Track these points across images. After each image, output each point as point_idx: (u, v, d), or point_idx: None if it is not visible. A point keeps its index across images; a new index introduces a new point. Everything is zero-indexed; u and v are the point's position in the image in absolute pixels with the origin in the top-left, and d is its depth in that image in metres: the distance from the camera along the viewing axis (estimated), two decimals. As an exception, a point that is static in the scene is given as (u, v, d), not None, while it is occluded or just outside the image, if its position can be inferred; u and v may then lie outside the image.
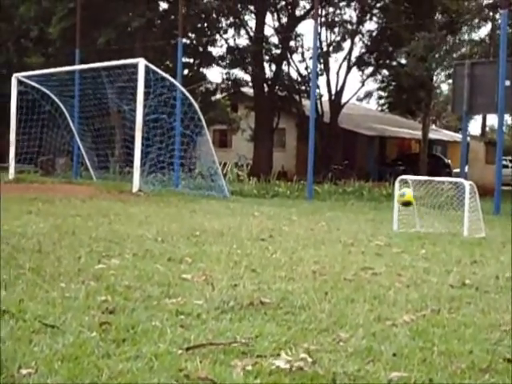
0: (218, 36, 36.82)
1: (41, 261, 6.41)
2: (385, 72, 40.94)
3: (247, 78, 38.91)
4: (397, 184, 11.69)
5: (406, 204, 10.73)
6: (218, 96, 39.87)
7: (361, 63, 39.49)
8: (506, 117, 39.24)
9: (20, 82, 23.24)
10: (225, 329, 4.17)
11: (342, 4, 36.86)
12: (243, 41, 38.89)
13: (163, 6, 33.49)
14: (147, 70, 18.81)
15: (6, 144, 24.69)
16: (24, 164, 24.98)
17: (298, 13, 38.20)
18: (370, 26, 39.10)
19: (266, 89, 37.75)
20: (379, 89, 42.94)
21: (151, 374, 3.30)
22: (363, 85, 41.06)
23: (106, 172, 24.46)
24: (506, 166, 36.24)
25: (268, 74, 38.29)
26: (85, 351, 3.58)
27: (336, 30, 37.99)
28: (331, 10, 37.39)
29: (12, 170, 22.38)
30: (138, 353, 3.60)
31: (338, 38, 38.24)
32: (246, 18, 37.75)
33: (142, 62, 18.59)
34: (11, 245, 7.38)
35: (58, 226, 9.64)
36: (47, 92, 24.20)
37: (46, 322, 4.13)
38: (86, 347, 3.65)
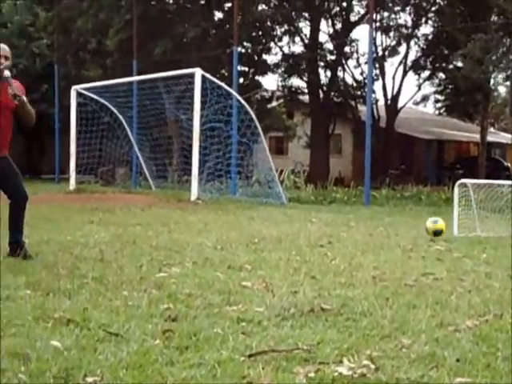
0: (272, 44, 36.90)
1: (103, 270, 6.51)
2: (441, 75, 40.48)
3: (302, 84, 38.92)
4: (456, 188, 11.57)
5: (438, 233, 10.40)
6: (274, 103, 39.89)
7: (417, 67, 39.11)
8: None
9: (79, 94, 23.60)
10: (286, 336, 4.19)
11: (396, 8, 36.58)
12: (298, 48, 38.97)
13: (218, 15, 33.69)
14: (203, 80, 18.93)
15: (66, 155, 25.10)
16: (84, 175, 25.36)
17: (352, 18, 38.01)
18: (426, 29, 38.84)
19: (322, 95, 37.63)
20: (436, 92, 42.47)
21: (214, 381, 3.34)
22: (420, 89, 40.68)
23: (165, 181, 24.67)
24: None
25: (323, 80, 38.19)
26: (149, 359, 3.63)
27: (391, 34, 37.71)
28: (386, 14, 37.13)
29: (73, 181, 22.70)
30: (201, 360, 3.64)
31: (394, 43, 37.95)
32: (301, 25, 37.72)
33: (198, 72, 18.72)
34: (74, 255, 7.52)
35: (119, 235, 9.77)
36: (106, 103, 24.54)
37: (110, 330, 4.19)
38: (150, 355, 3.70)
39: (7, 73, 6.84)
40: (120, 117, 24.82)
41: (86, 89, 24.07)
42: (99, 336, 4.08)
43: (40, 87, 39.86)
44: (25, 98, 6.97)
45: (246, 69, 35.73)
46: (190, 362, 3.61)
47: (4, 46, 7.18)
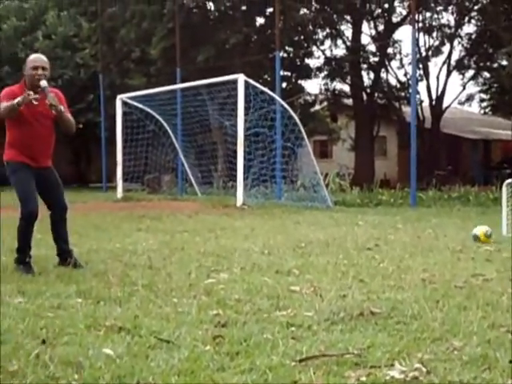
0: (314, 47, 36.85)
1: (153, 277, 6.57)
2: (486, 74, 40.05)
3: (346, 87, 38.81)
4: (504, 188, 11.43)
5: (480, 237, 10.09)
6: (317, 107, 39.82)
7: (461, 66, 38.73)
8: None
9: (124, 103, 23.83)
10: (336, 340, 4.18)
11: (438, 8, 36.28)
12: (340, 51, 38.76)
13: (260, 21, 33.75)
14: (247, 85, 18.99)
15: (113, 164, 25.36)
16: (131, 183, 25.57)
17: (394, 19, 37.78)
18: (469, 28, 38.38)
19: (365, 97, 37.47)
20: (481, 91, 42.04)
21: (266, 386, 3.35)
22: (464, 88, 40.31)
23: (210, 187, 24.76)
24: None
25: (366, 82, 38.00)
26: (200, 365, 3.65)
27: (434, 34, 37.44)
28: (428, 14, 36.87)
29: (120, 189, 22.92)
30: (251, 365, 3.65)
31: (437, 43, 37.65)
32: (343, 27, 37.61)
33: (241, 78, 18.78)
34: (124, 262, 7.60)
35: (167, 242, 9.84)
36: (150, 111, 24.74)
37: (161, 337, 4.23)
38: (201, 361, 3.72)
39: (44, 82, 6.88)
40: (165, 124, 25.00)
41: (130, 98, 24.30)
42: (150, 343, 4.11)
43: (85, 97, 40.38)
44: (62, 108, 6.98)
45: (289, 73, 35.72)
46: (241, 367, 3.62)
47: (42, 57, 7.26)
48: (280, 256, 8.23)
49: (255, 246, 9.26)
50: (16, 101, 6.70)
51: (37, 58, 7.15)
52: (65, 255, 7.31)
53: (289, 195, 20.79)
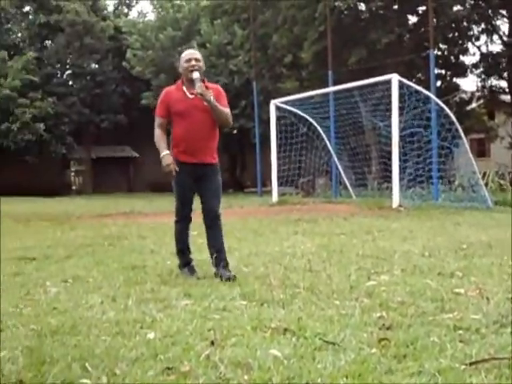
0: (469, 44, 35.95)
1: (313, 279, 6.59)
2: None
3: (503, 83, 37.58)
4: None
5: None
6: (474, 105, 38.83)
7: None
8: None
9: (277, 108, 24.09)
10: (506, 343, 4.06)
11: None
12: (496, 47, 37.67)
13: (412, 19, 33.32)
14: (401, 85, 18.76)
15: (267, 168, 25.69)
16: (285, 186, 25.79)
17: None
18: None
19: (525, 93, 36.23)
20: None
21: (436, 389, 3.29)
22: None
23: (365, 189, 24.62)
24: None
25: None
26: (367, 368, 3.63)
27: None
28: None
29: (275, 193, 23.17)
30: (420, 368, 3.60)
31: None
32: (498, 22, 36.49)
33: (395, 78, 18.56)
34: (284, 265, 7.66)
35: (325, 244, 9.86)
36: (303, 115, 24.89)
37: (326, 339, 4.24)
38: (368, 363, 3.70)
39: (196, 74, 6.86)
40: (318, 127, 25.07)
41: (283, 102, 24.54)
42: (316, 345, 4.13)
43: (239, 103, 41.21)
44: (212, 97, 6.81)
45: (443, 71, 35.06)
46: (409, 370, 3.58)
47: (193, 50, 7.42)
48: (441, 258, 8.07)
49: (415, 247, 9.12)
50: (163, 156, 6.86)
51: (188, 52, 7.22)
52: (218, 265, 7.00)
53: (446, 196, 20.35)
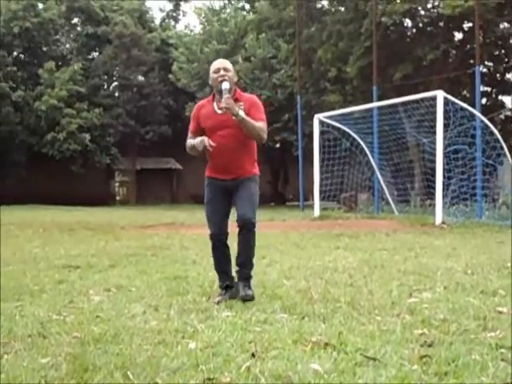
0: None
1: (354, 294, 6.58)
2: None
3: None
4: None
5: None
6: (519, 122, 38.44)
7: None
8: None
9: (321, 122, 24.11)
10: (550, 363, 4.02)
11: None
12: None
13: (458, 36, 33.14)
14: (446, 102, 18.67)
15: (309, 182, 25.69)
16: (327, 201, 25.78)
17: None
18: None
19: None
20: None
21: (478, 408, 3.28)
22: None
23: (407, 205, 24.49)
24: None
25: None
26: (408, 384, 3.62)
27: None
28: None
29: (317, 208, 23.15)
30: (461, 386, 3.59)
31: None
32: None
33: (440, 94, 18.48)
34: (325, 279, 7.66)
35: (366, 260, 9.82)
36: (346, 130, 24.87)
37: (366, 354, 4.23)
38: (409, 380, 3.70)
39: (225, 84, 6.32)
40: (361, 142, 25.03)
41: (327, 117, 24.55)
42: (356, 360, 4.13)
43: (282, 117, 41.33)
44: (240, 111, 6.25)
45: (489, 89, 34.81)
46: (450, 388, 3.57)
47: (222, 60, 6.79)
48: (484, 276, 7.99)
49: (458, 265, 9.05)
50: (195, 142, 6.39)
51: (217, 62, 6.65)
52: (241, 277, 6.51)
53: (490, 214, 20.15)
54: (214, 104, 6.50)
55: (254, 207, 6.48)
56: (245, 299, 6.21)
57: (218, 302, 6.14)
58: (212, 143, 6.28)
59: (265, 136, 6.47)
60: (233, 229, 6.60)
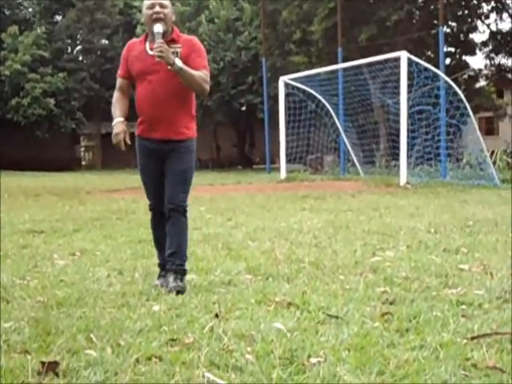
0: (479, 22, 35.75)
1: (319, 254, 6.63)
2: None
3: (512, 62, 37.42)
4: None
5: None
6: (482, 83, 38.66)
7: None
8: None
9: (286, 85, 24.05)
10: (508, 318, 4.09)
11: None
12: (506, 25, 37.48)
13: (422, -4, 33.14)
14: (409, 63, 18.72)
15: (275, 145, 25.72)
16: (293, 164, 25.84)
17: None
18: None
19: (534, 71, 36.05)
20: None
21: (437, 362, 3.32)
22: None
23: (373, 167, 24.62)
24: None
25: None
26: (370, 341, 3.66)
27: None
28: None
29: (283, 170, 23.20)
30: (422, 342, 3.63)
31: None
32: (508, 1, 36.21)
33: (404, 55, 18.52)
34: (290, 240, 7.70)
35: (332, 221, 9.89)
36: (312, 92, 24.84)
37: (329, 313, 4.28)
38: (371, 337, 3.73)
39: (158, 27, 5.10)
40: (326, 104, 25.03)
41: (292, 79, 24.49)
42: (319, 318, 4.17)
43: (246, 79, 41.18)
44: (177, 60, 5.05)
45: (452, 49, 34.92)
46: (411, 344, 3.61)
47: None
48: (447, 234, 8.09)
49: (421, 224, 9.14)
50: (114, 121, 5.36)
51: None
52: (165, 268, 5.34)
53: (454, 173, 20.34)
54: (147, 44, 5.29)
55: (186, 187, 5.32)
56: (174, 290, 5.01)
57: (161, 286, 5.20)
58: (128, 141, 5.27)
59: (207, 87, 5.24)
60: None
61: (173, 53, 5.09)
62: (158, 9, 5.14)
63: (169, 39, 5.18)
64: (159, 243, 5.45)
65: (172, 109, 5.22)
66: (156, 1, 5.18)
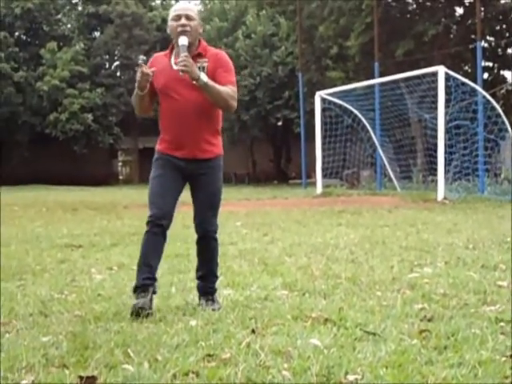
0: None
1: (355, 270, 6.60)
2: None
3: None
4: None
5: None
6: (521, 97, 38.32)
7: None
8: None
9: (322, 99, 24.05)
10: (548, 337, 4.03)
11: None
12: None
13: (459, 11, 32.96)
14: (447, 77, 18.63)
15: (311, 160, 25.69)
16: (330, 178, 25.78)
17: None
18: None
19: None
20: None
21: (476, 380, 3.30)
22: None
23: (409, 182, 24.47)
24: None
25: None
26: (407, 358, 3.63)
27: None
28: None
29: (319, 185, 23.16)
30: (460, 360, 3.59)
31: None
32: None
33: (441, 70, 18.44)
34: (326, 256, 7.68)
35: (368, 236, 9.84)
36: (348, 107, 24.81)
37: (366, 329, 4.25)
38: (409, 354, 3.70)
39: (183, 40, 4.83)
40: (363, 119, 24.98)
41: (329, 94, 24.49)
42: (356, 335, 4.14)
43: (283, 94, 41.25)
44: (202, 74, 4.78)
45: (491, 64, 34.70)
46: (449, 361, 3.58)
47: (185, 4, 5.12)
48: (485, 251, 8.01)
49: (459, 240, 9.06)
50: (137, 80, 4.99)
51: (179, 5, 5.09)
52: (202, 292, 5.21)
53: (492, 189, 20.15)
54: (172, 58, 5.04)
55: (216, 211, 5.18)
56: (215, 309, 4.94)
57: (140, 308, 4.68)
58: (153, 68, 4.96)
59: (233, 103, 4.96)
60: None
61: (199, 67, 4.84)
62: (183, 21, 4.88)
63: (195, 53, 4.94)
64: (147, 260, 4.97)
65: (197, 126, 4.96)
66: (182, 12, 4.92)
